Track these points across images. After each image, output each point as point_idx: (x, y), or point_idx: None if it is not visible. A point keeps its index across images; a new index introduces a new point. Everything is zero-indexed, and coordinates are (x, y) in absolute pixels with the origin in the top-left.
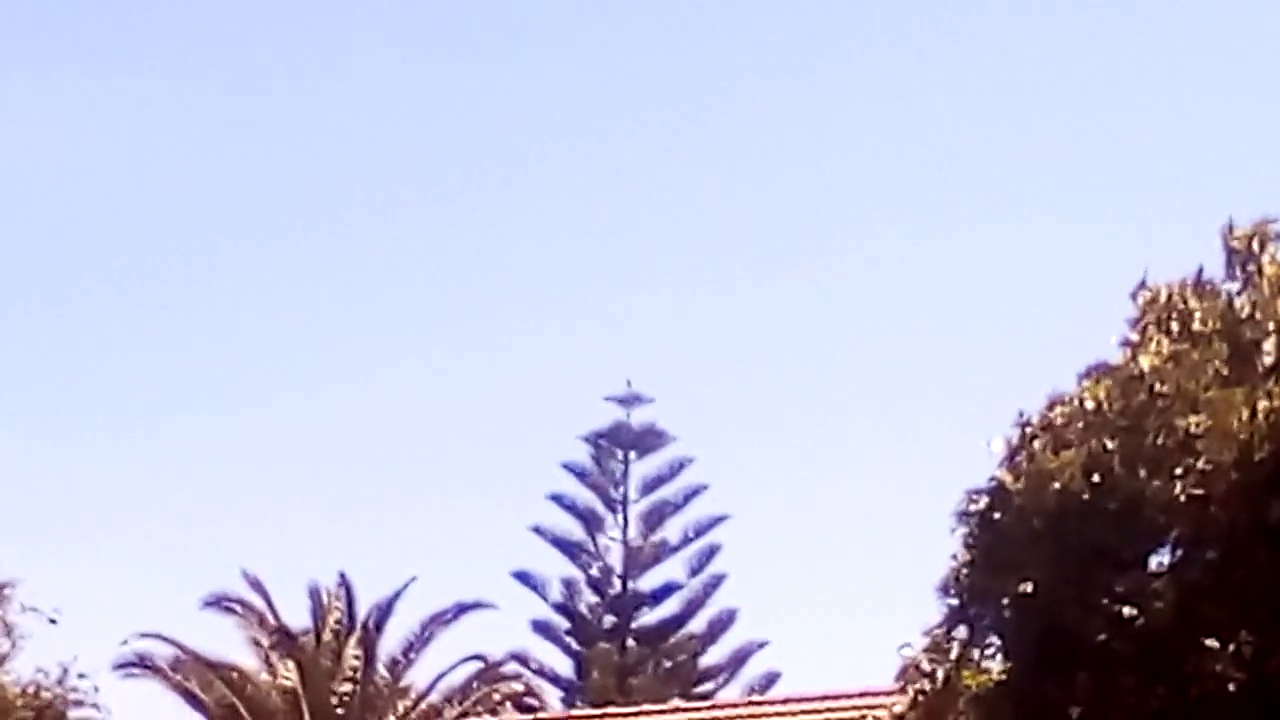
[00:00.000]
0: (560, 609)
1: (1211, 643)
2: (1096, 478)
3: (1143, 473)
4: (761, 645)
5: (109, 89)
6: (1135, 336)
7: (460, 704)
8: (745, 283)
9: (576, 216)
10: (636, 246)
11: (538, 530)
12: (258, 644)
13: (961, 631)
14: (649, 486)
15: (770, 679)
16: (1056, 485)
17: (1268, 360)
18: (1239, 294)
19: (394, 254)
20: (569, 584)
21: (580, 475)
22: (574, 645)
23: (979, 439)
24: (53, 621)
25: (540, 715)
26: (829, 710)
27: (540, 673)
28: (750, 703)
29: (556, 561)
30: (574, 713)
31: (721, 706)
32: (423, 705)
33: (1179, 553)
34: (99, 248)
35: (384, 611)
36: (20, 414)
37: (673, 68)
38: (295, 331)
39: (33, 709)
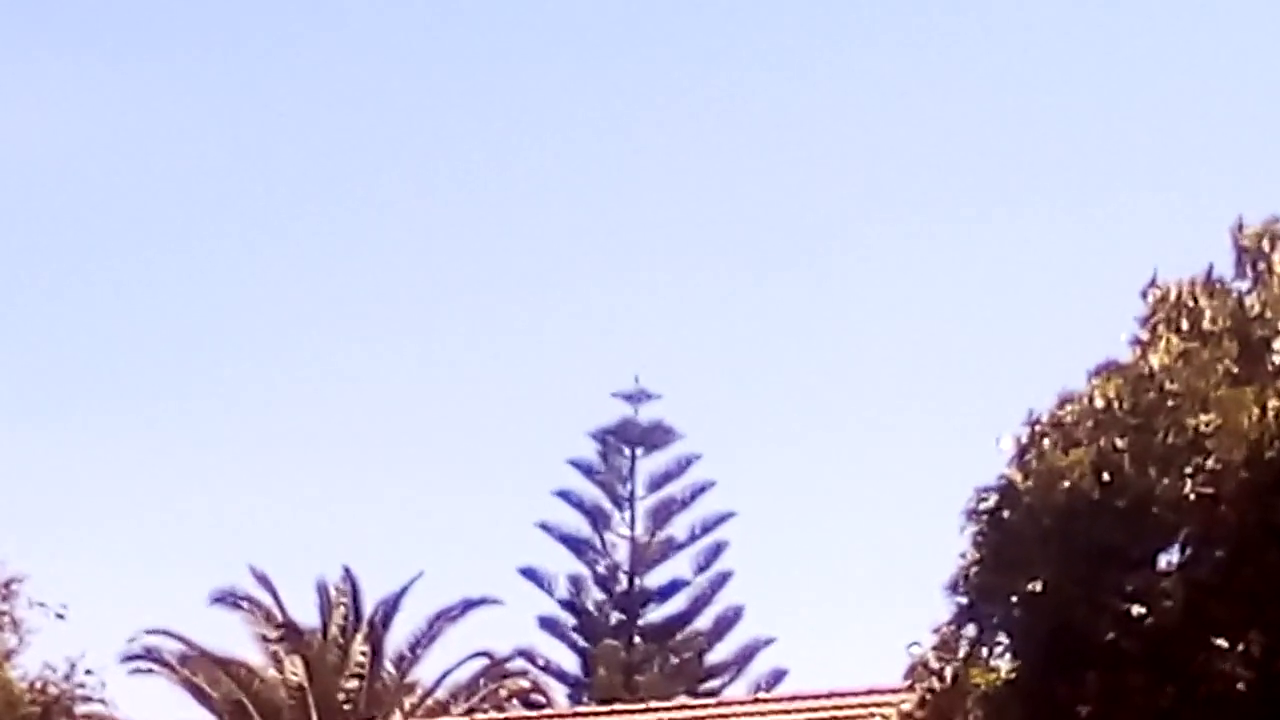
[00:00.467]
0: (567, 605)
1: (1220, 642)
2: (1106, 476)
3: (1152, 471)
4: (768, 642)
5: (109, 75)
6: (1145, 335)
7: (467, 700)
8: (753, 279)
9: (584, 212)
10: (644, 243)
11: (544, 527)
12: (265, 640)
13: (970, 630)
14: (656, 483)
15: (777, 676)
16: (1066, 484)
17: (1278, 359)
18: (1249, 293)
19: (401, 248)
20: (576, 580)
21: (587, 472)
22: (580, 642)
23: (988, 437)
24: (60, 617)
25: (546, 712)
26: (836, 708)
27: (547, 669)
28: (757, 700)
29: (563, 558)
30: (580, 709)
31: (728, 703)
32: (429, 701)
33: (1188, 551)
34: (102, 239)
35: (391, 607)
36: (26, 408)
37: (684, 63)
38: (302, 326)
39: (40, 704)
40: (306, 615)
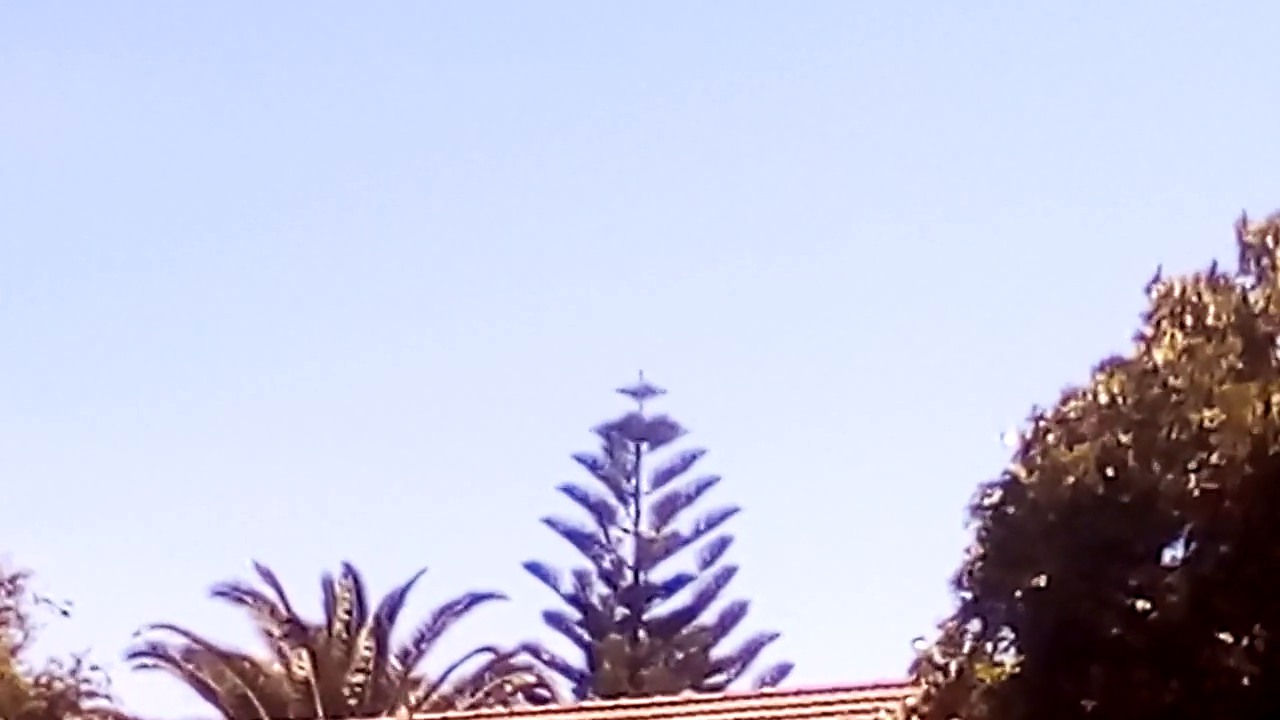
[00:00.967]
0: (572, 600)
1: (1225, 636)
2: (1110, 471)
3: (1156, 467)
4: (773, 637)
5: (112, 69)
6: (1149, 330)
7: (472, 695)
8: (758, 274)
9: (588, 208)
10: (648, 239)
11: (550, 522)
12: (270, 635)
13: (975, 625)
14: (661, 478)
15: (782, 671)
16: (1070, 479)
17: None
18: (1253, 288)
19: (405, 244)
20: (581, 575)
21: (592, 467)
22: (585, 637)
23: (992, 432)
24: (65, 613)
25: (552, 707)
26: (841, 702)
27: (552, 664)
28: (762, 694)
29: (568, 553)
30: (585, 704)
31: (733, 698)
32: (434, 696)
33: (1193, 546)
34: (104, 236)
35: (396, 602)
36: (30, 404)
37: (689, 60)
38: (305, 321)
39: (46, 699)
40: (311, 610)
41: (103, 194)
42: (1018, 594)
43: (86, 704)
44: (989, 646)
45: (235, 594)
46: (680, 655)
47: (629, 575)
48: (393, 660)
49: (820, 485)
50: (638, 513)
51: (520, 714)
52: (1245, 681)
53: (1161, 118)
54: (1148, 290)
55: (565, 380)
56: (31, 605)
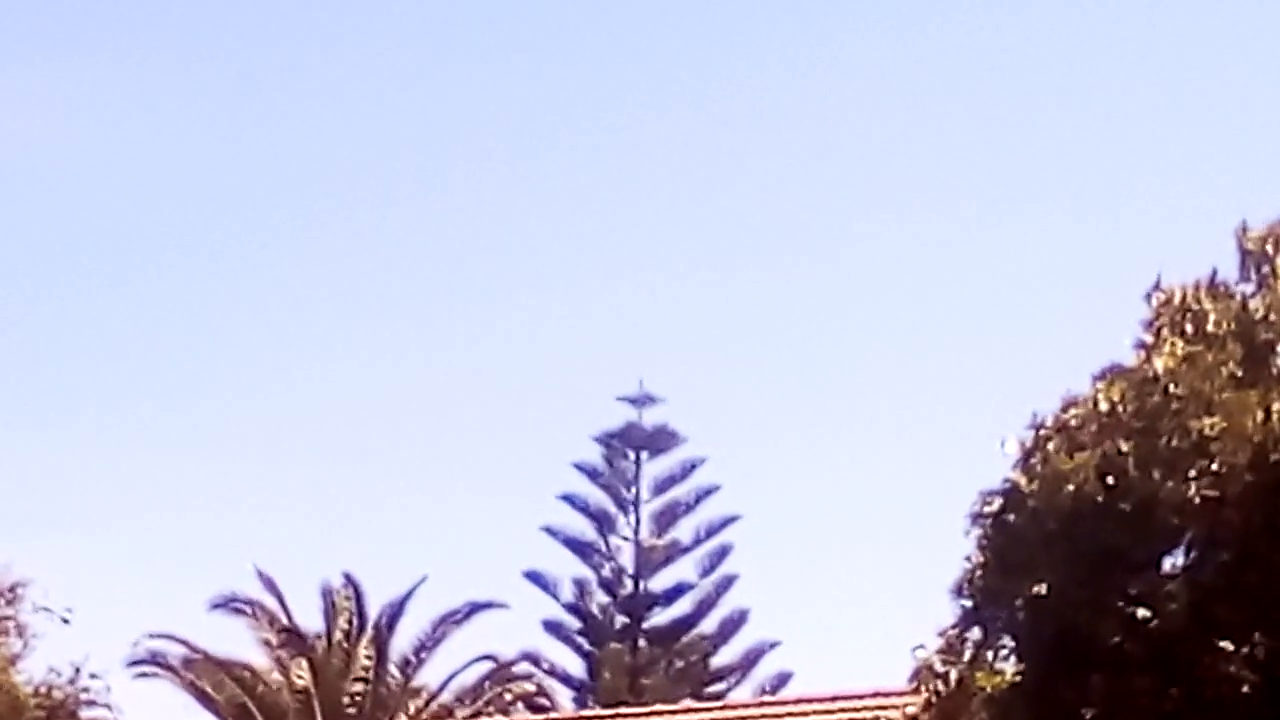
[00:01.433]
0: (572, 609)
1: (1225, 644)
2: (1110, 479)
3: (1157, 474)
4: (773, 645)
5: (110, 77)
6: (1149, 338)
7: (472, 704)
8: (757, 283)
9: (587, 216)
10: (649, 246)
11: (549, 530)
12: (269, 644)
13: (975, 633)
14: (661, 487)
15: (782, 679)
16: (1070, 487)
17: None
18: (1253, 296)
19: (405, 252)
20: (581, 584)
21: (592, 475)
22: (586, 645)
23: (993, 440)
24: (65, 621)
25: (552, 715)
26: (841, 711)
27: (552, 673)
28: (762, 703)
29: (568, 562)
30: (585, 713)
31: (733, 707)
32: (434, 705)
33: (1193, 554)
34: (105, 243)
35: (395, 611)
36: (30, 413)
37: (690, 65)
38: (306, 330)
39: (45, 708)
40: (311, 620)
41: (104, 200)
42: (1018, 602)
43: (86, 713)
44: (989, 654)
45: (235, 603)
46: (680, 664)
47: (629, 584)
48: (392, 669)
49: (820, 493)
50: (637, 521)
51: None
52: (1245, 689)
53: (1162, 125)
54: (1148, 298)
55: (565, 389)
56: (31, 614)
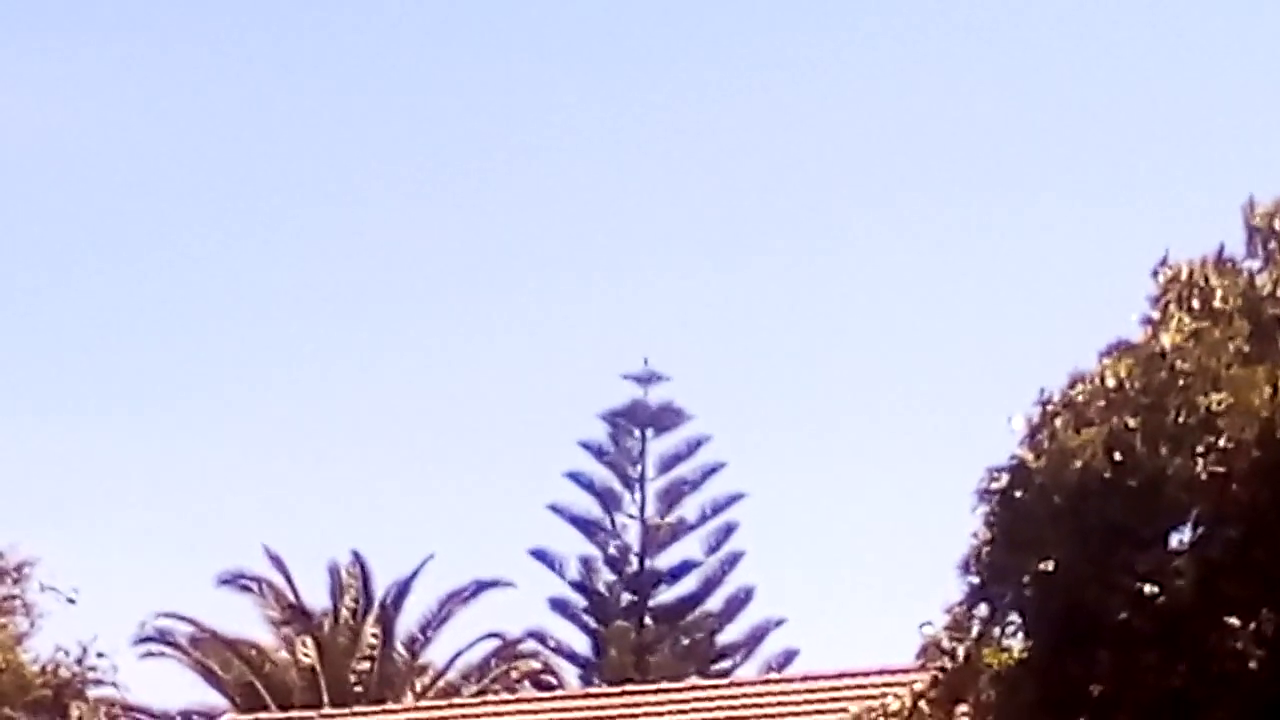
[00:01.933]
0: (578, 587)
1: (1233, 620)
2: (1118, 456)
3: (1164, 450)
4: (779, 623)
5: (108, 61)
6: (1156, 314)
7: (478, 682)
8: (763, 260)
9: (593, 195)
10: (653, 225)
11: (555, 509)
12: (276, 622)
13: (982, 609)
14: (666, 464)
15: (788, 656)
16: (1078, 463)
17: None
18: (1260, 271)
19: (410, 232)
20: (586, 562)
21: (598, 453)
22: (591, 623)
23: (1000, 417)
24: (71, 601)
25: (558, 693)
26: (847, 688)
27: (558, 651)
28: (768, 680)
29: (574, 540)
30: (591, 690)
31: (739, 684)
32: (440, 683)
33: (1200, 530)
34: (107, 225)
35: (402, 590)
36: (36, 396)
37: (691, 45)
38: (311, 310)
39: (52, 687)
40: (317, 598)
41: (104, 185)
42: (1025, 579)
43: (93, 692)
44: (996, 631)
45: (241, 582)
46: (686, 641)
47: (635, 561)
48: (399, 647)
49: (826, 470)
50: (643, 499)
51: (526, 700)
52: (1253, 665)
53: (1169, 101)
54: (1155, 274)
55: (570, 367)
56: (37, 593)
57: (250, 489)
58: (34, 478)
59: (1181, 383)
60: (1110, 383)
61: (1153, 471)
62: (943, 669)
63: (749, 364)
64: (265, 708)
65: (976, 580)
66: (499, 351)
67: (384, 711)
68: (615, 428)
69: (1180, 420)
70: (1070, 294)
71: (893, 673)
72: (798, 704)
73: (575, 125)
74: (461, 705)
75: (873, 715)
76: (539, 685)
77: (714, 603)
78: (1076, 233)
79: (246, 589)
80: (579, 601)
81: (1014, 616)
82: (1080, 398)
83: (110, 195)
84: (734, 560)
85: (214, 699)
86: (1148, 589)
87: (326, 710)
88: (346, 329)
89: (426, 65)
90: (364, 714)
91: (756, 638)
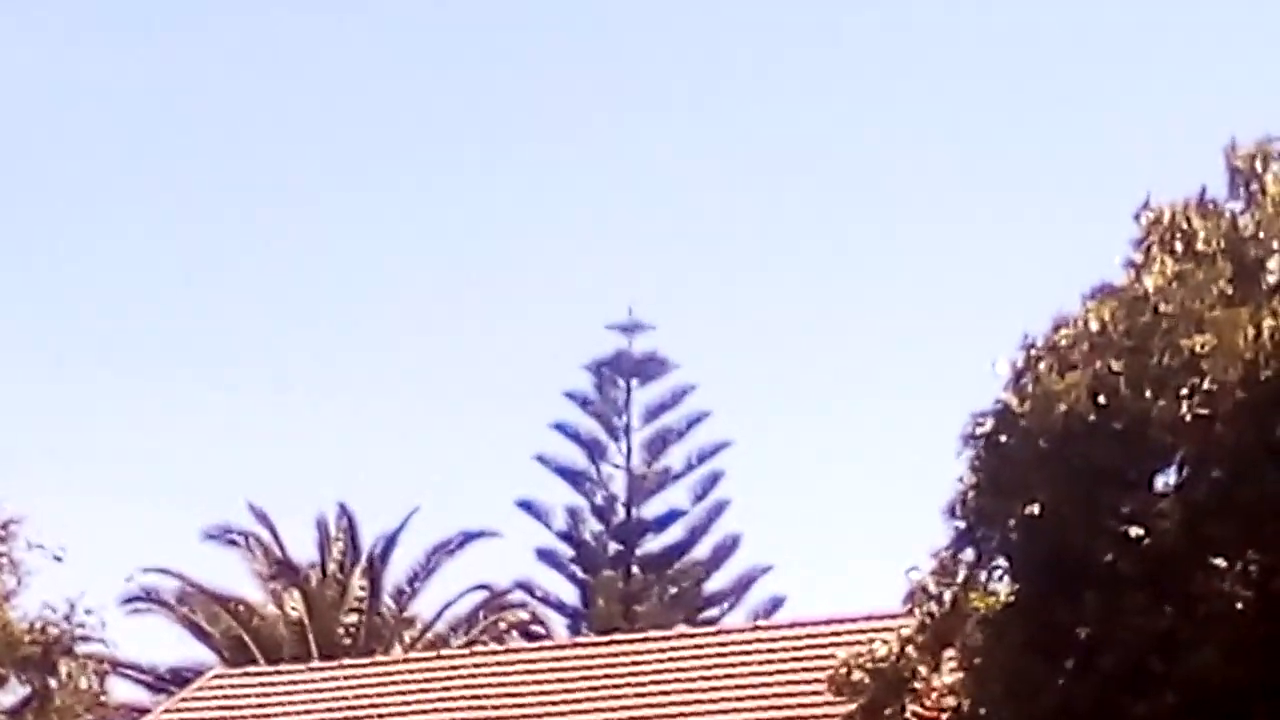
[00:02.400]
0: (564, 537)
1: (1219, 562)
2: (1102, 399)
3: (1148, 393)
4: (766, 570)
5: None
6: (1139, 257)
7: (466, 633)
8: (746, 208)
9: (574, 144)
10: (636, 174)
11: (541, 459)
12: (263, 577)
13: (969, 554)
14: (651, 414)
15: (775, 604)
16: (1062, 407)
17: (1271, 279)
18: (1242, 213)
19: (395, 183)
20: (573, 512)
21: (583, 403)
22: (579, 573)
23: (984, 361)
24: (58, 558)
25: (546, 643)
26: (835, 634)
27: (546, 601)
28: (756, 628)
29: (560, 490)
30: (580, 640)
31: (727, 632)
32: (429, 635)
33: (1185, 472)
34: (99, 172)
35: (389, 542)
36: (21, 350)
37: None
38: (295, 263)
39: (40, 644)
40: (304, 551)
41: (100, 137)
42: (1011, 522)
43: (81, 649)
44: (983, 575)
45: (228, 536)
46: (673, 590)
47: (621, 511)
48: (387, 600)
49: (811, 418)
50: (629, 449)
51: (515, 651)
52: (1239, 606)
53: (1149, 43)
54: (1137, 217)
55: (555, 317)
56: (24, 551)
57: (236, 442)
58: (18, 434)
59: (1165, 325)
60: (1094, 326)
61: (1137, 414)
62: (930, 614)
63: (733, 312)
64: (254, 662)
65: (963, 525)
66: (483, 303)
67: (373, 664)
68: (600, 378)
69: (1164, 362)
70: (1053, 237)
71: (880, 618)
72: (786, 651)
73: (561, 74)
74: (450, 656)
75: (860, 661)
76: (527, 636)
77: (701, 551)
78: (1058, 176)
79: (233, 544)
80: (566, 552)
81: (1000, 560)
82: (1064, 341)
83: (103, 146)
84: (720, 508)
85: (202, 654)
86: (1133, 531)
87: (315, 663)
88: (331, 281)
89: (412, 35)
90: (353, 666)
91: (744, 585)
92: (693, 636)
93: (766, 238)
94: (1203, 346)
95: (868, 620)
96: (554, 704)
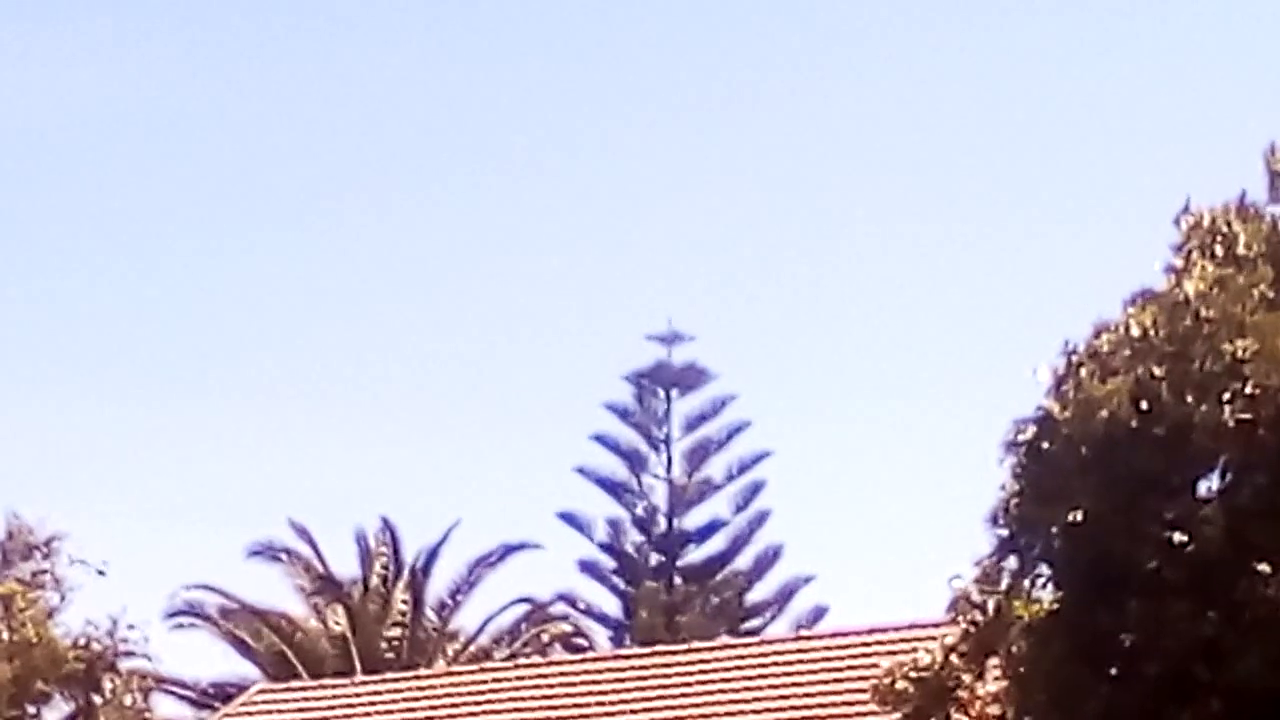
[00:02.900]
0: (606, 549)
1: (1263, 567)
2: (1144, 405)
3: (1190, 398)
4: (808, 580)
5: (112, 44)
6: (1180, 262)
7: (509, 646)
8: (785, 217)
9: (615, 157)
10: (676, 184)
11: (582, 471)
12: (306, 592)
13: (1011, 562)
14: (692, 424)
15: (818, 613)
16: (1104, 413)
17: None
18: None
19: (434, 196)
20: (614, 524)
21: (623, 415)
22: (621, 585)
23: (1025, 368)
24: (101, 573)
25: (589, 655)
26: (878, 644)
27: (588, 613)
28: (798, 638)
29: (601, 501)
30: (622, 651)
31: (769, 642)
32: (471, 648)
33: (1228, 477)
34: (133, 193)
35: (431, 555)
36: (63, 368)
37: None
38: (336, 278)
39: (84, 661)
40: (346, 566)
41: (129, 155)
42: (1054, 529)
43: (124, 664)
44: (1026, 583)
45: (270, 552)
46: (716, 600)
47: (662, 522)
48: (429, 613)
49: (852, 426)
50: (669, 459)
51: (558, 663)
52: None
53: (1190, 47)
54: (1177, 221)
55: (595, 329)
56: (67, 568)
57: (278, 459)
58: (62, 452)
59: (1206, 330)
60: (1135, 332)
61: (1179, 419)
62: (973, 622)
63: (773, 322)
64: (297, 677)
65: (1005, 532)
66: (523, 315)
67: (416, 677)
68: (640, 389)
69: (1206, 367)
70: (1094, 243)
71: (923, 627)
72: (829, 661)
73: (602, 82)
74: (493, 669)
75: (904, 670)
76: (570, 648)
77: (743, 561)
78: (1100, 182)
79: (276, 559)
80: (608, 563)
81: (1043, 568)
82: (1105, 347)
83: (139, 164)
84: (762, 518)
85: (246, 669)
86: (1177, 537)
87: (358, 678)
88: (372, 296)
89: (437, 33)
90: (396, 680)
91: (786, 595)
92: (735, 647)
93: (806, 248)
94: (1244, 351)
95: (911, 629)
96: (597, 715)
